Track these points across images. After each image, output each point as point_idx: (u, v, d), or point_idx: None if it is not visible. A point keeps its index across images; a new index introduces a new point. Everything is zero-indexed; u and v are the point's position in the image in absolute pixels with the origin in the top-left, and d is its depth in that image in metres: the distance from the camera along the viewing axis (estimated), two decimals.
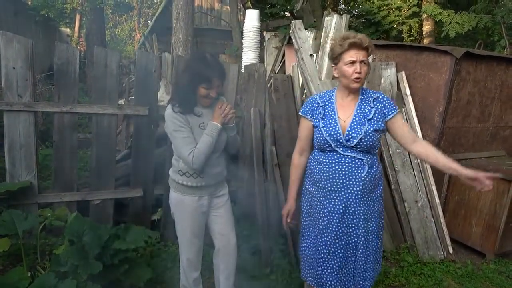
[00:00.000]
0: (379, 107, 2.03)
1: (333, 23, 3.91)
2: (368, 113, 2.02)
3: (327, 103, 2.11)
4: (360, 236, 2.05)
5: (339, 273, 2.09)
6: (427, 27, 11.28)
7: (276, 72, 7.08)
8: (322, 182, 2.06)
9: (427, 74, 3.62)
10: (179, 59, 2.95)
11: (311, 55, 3.64)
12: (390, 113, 2.03)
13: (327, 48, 3.91)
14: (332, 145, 2.01)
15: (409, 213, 3.47)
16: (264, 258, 2.98)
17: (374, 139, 1.99)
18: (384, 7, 11.04)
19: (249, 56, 7.26)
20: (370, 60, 3.83)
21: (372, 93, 2.09)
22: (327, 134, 2.01)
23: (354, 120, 2.01)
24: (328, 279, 2.10)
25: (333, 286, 2.10)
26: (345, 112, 2.05)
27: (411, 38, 12.67)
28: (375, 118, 2.01)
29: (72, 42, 16.12)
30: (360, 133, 1.96)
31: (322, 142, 2.04)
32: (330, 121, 2.04)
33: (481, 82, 3.71)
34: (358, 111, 2.03)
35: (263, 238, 3.02)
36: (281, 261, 2.98)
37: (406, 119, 3.57)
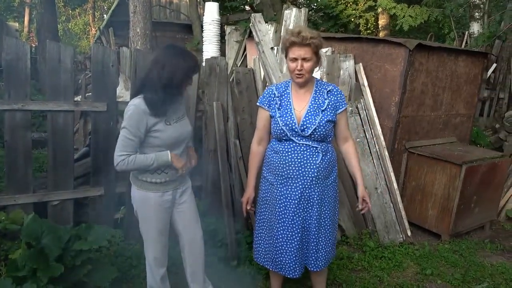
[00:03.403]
0: (332, 99, 2.15)
1: (293, 16, 3.95)
2: (322, 104, 2.12)
3: (283, 93, 2.19)
4: (313, 219, 2.16)
5: (297, 255, 2.18)
6: (382, 21, 11.68)
7: (238, 66, 7.07)
8: (279, 170, 2.15)
9: (383, 65, 3.75)
10: (138, 54, 2.88)
11: (272, 48, 3.67)
12: (340, 107, 2.17)
13: None
14: (288, 134, 2.09)
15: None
16: (231, 251, 3.00)
17: (327, 128, 2.11)
18: (342, 0, 11.27)
19: (209, 49, 7.21)
20: (328, 51, 3.92)
21: (327, 85, 2.19)
22: (283, 124, 2.10)
23: (308, 111, 2.10)
24: (286, 261, 2.19)
25: (291, 267, 2.19)
26: (300, 103, 2.14)
27: (367, 31, 13.06)
28: (328, 110, 2.12)
29: (22, 37, 15.25)
30: (314, 123, 2.06)
31: (279, 131, 2.12)
32: (286, 111, 2.12)
33: (433, 73, 3.89)
34: (312, 102, 2.13)
35: (229, 231, 3.03)
36: (248, 253, 3.00)
37: (364, 109, 3.69)
